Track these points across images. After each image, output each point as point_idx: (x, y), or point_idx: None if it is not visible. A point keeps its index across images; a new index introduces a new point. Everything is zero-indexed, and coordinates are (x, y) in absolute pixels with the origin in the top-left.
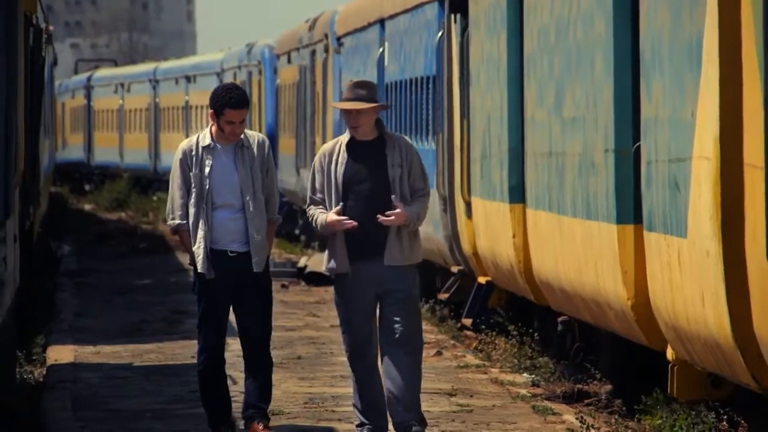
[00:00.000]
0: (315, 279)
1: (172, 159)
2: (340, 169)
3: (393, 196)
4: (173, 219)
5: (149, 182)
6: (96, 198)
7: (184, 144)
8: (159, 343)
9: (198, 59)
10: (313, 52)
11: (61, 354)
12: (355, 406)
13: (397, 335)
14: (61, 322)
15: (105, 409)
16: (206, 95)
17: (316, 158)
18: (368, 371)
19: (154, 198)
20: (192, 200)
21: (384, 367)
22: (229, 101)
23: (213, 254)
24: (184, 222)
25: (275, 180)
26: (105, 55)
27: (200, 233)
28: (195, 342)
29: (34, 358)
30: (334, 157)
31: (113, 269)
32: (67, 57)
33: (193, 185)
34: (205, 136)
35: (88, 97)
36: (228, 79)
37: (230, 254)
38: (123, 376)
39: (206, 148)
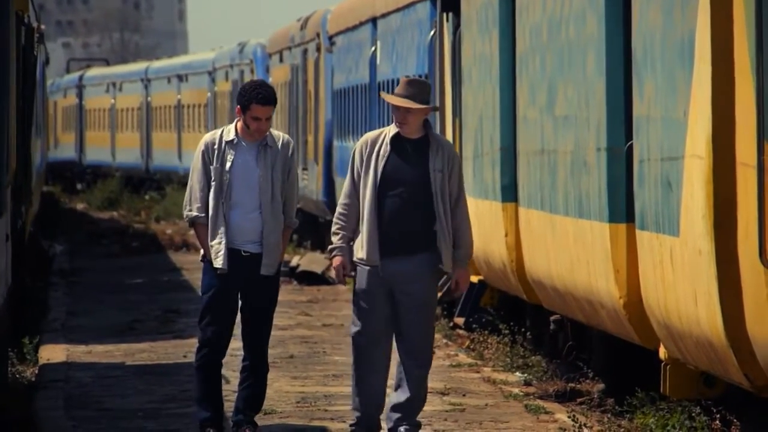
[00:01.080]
0: (307, 278)
1: (164, 158)
2: (381, 162)
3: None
4: (190, 211)
5: (141, 181)
6: (88, 197)
7: (208, 137)
8: (151, 343)
9: (190, 58)
10: (305, 51)
11: (53, 353)
12: (353, 400)
13: (414, 345)
14: (54, 322)
15: (97, 408)
16: (198, 94)
17: (357, 146)
18: (376, 362)
19: (146, 197)
20: (211, 194)
21: (396, 374)
22: (257, 96)
23: (227, 252)
24: (202, 215)
25: (296, 183)
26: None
27: (220, 229)
28: (187, 341)
29: (26, 357)
30: (377, 148)
31: (105, 268)
32: (58, 56)
33: (213, 179)
34: (229, 130)
35: (80, 96)
36: (220, 78)
37: (244, 254)
38: (115, 375)
39: (230, 143)
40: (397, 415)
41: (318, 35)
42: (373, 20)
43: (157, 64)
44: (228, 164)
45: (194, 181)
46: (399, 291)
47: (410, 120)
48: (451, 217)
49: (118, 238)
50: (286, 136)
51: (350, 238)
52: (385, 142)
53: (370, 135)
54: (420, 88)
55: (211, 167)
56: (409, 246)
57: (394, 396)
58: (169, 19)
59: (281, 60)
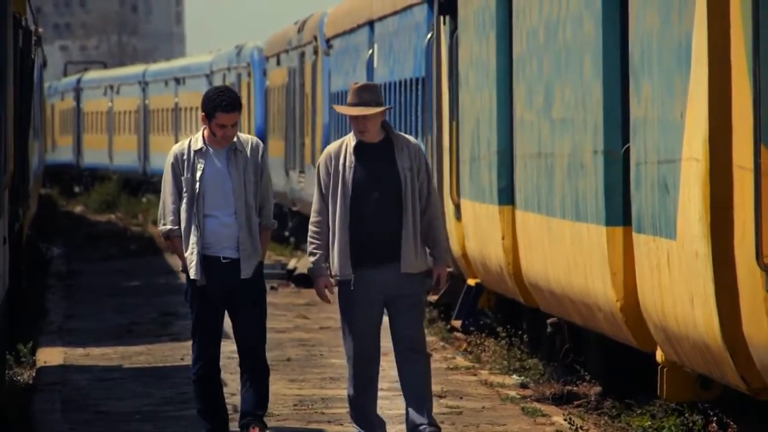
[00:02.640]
0: (304, 281)
1: (161, 161)
2: (349, 174)
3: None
4: (164, 224)
5: (139, 184)
6: (85, 200)
7: (176, 148)
8: (148, 345)
9: (187, 61)
10: (302, 54)
11: (50, 356)
12: (350, 415)
13: (412, 343)
14: (51, 324)
15: (94, 411)
16: (195, 97)
17: (321, 161)
18: (369, 379)
19: (144, 200)
20: (183, 205)
21: (403, 375)
22: (221, 104)
23: (205, 260)
24: (176, 227)
25: (270, 185)
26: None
27: (192, 239)
28: (184, 344)
29: (23, 360)
30: (341, 161)
31: (103, 271)
32: (56, 59)
33: (184, 190)
34: (197, 139)
35: (78, 99)
36: (217, 81)
37: (223, 260)
38: (112, 378)
39: (198, 152)
40: (415, 424)
41: (315, 38)
42: (370, 23)
43: (154, 67)
44: (199, 173)
45: (166, 194)
46: (391, 296)
47: (369, 126)
48: (423, 215)
49: (116, 241)
50: (255, 138)
51: (326, 255)
52: (348, 153)
53: (330, 148)
54: (371, 92)
55: (182, 178)
56: (391, 253)
57: (405, 387)
58: (167, 22)
59: (278, 63)
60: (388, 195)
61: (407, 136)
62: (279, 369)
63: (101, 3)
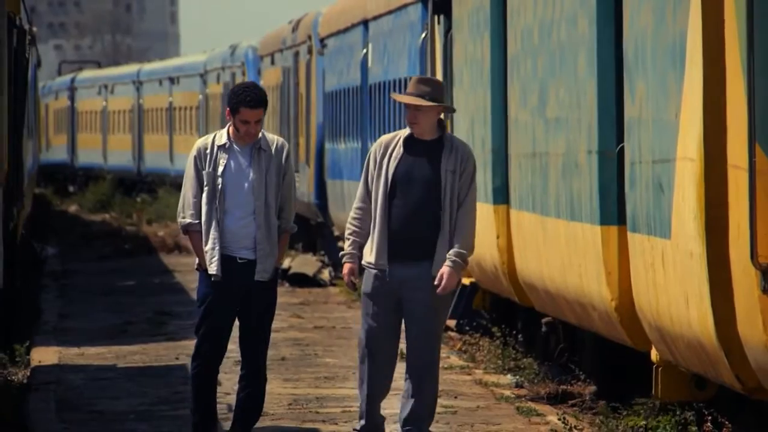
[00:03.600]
0: (299, 280)
1: (156, 161)
2: (393, 164)
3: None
4: (184, 218)
5: (133, 183)
6: (80, 199)
7: (200, 142)
8: (143, 345)
9: (181, 61)
10: (297, 54)
11: (45, 355)
12: (360, 406)
13: (421, 349)
14: (45, 324)
15: (89, 410)
16: (189, 97)
17: (372, 149)
18: (379, 365)
19: (138, 199)
20: (204, 199)
21: (408, 387)
22: (245, 99)
23: (222, 259)
24: (196, 222)
25: (293, 187)
26: (89, 57)
27: (213, 234)
28: (179, 343)
29: (17, 359)
30: (389, 151)
31: (97, 271)
32: (50, 58)
33: (205, 183)
34: (222, 135)
35: (72, 98)
36: (211, 80)
37: (239, 261)
38: (107, 377)
39: (222, 147)
40: (408, 428)
41: (309, 38)
42: (365, 22)
43: (148, 66)
44: (220, 168)
45: (187, 188)
46: (407, 297)
47: (421, 119)
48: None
49: (110, 241)
50: (281, 139)
51: (361, 244)
52: (398, 144)
53: (384, 138)
54: (431, 87)
55: (204, 172)
56: (418, 251)
57: (404, 409)
58: (161, 21)
59: (273, 62)
60: (425, 195)
61: (462, 141)
62: (273, 368)
63: (95, 2)
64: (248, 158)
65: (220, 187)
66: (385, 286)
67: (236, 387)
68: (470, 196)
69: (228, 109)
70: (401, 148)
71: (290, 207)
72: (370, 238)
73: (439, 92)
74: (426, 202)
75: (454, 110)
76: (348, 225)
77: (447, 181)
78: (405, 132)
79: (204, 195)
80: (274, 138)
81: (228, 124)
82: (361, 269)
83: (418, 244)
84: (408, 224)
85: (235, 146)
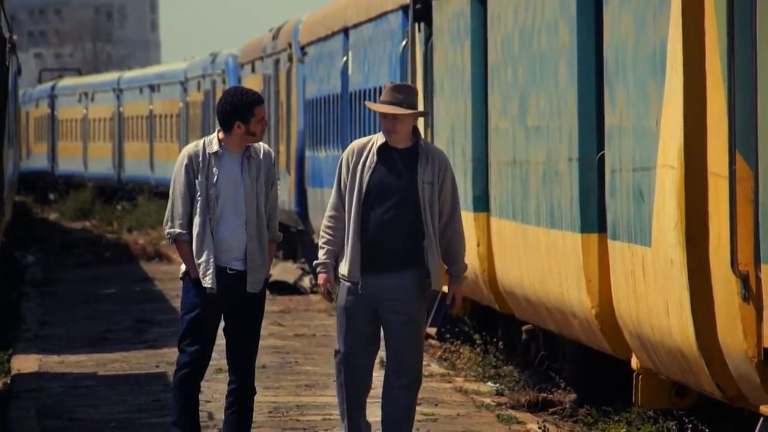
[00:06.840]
0: (279, 288)
1: (136, 168)
2: (367, 174)
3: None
4: (173, 228)
5: (113, 191)
6: (60, 207)
7: (190, 149)
8: (124, 353)
9: (162, 68)
10: (277, 62)
11: (25, 363)
12: (341, 420)
13: (402, 364)
14: (26, 332)
15: (69, 418)
16: (170, 104)
17: (344, 155)
18: (358, 378)
19: (119, 207)
20: (197, 210)
21: (384, 396)
22: (254, 99)
23: (215, 270)
24: (185, 232)
25: (277, 195)
26: (69, 65)
27: (207, 245)
28: (160, 351)
29: None
30: (363, 159)
31: (78, 278)
32: (31, 66)
33: (198, 193)
34: (212, 142)
35: (52, 106)
36: (192, 88)
37: (229, 272)
38: (87, 385)
39: (214, 154)
40: None
41: (290, 45)
42: (345, 30)
43: (129, 74)
44: (214, 177)
45: (176, 196)
46: (385, 309)
47: (399, 128)
48: (443, 232)
49: (91, 248)
50: (266, 146)
51: (336, 253)
52: (372, 152)
53: (356, 143)
54: (407, 93)
55: (196, 181)
56: (395, 262)
57: (383, 414)
58: (142, 29)
59: (253, 70)
60: (401, 205)
61: (437, 147)
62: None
63: (76, 11)
64: (239, 166)
65: (213, 196)
66: (360, 299)
67: (223, 402)
68: (457, 212)
69: (238, 121)
70: (375, 156)
71: (275, 215)
72: (344, 250)
73: (414, 98)
74: (403, 212)
75: (427, 114)
76: (321, 233)
77: (425, 193)
78: (378, 138)
79: (198, 205)
80: (260, 144)
81: (217, 131)
82: (338, 278)
83: (394, 255)
84: (384, 235)
85: (226, 154)
